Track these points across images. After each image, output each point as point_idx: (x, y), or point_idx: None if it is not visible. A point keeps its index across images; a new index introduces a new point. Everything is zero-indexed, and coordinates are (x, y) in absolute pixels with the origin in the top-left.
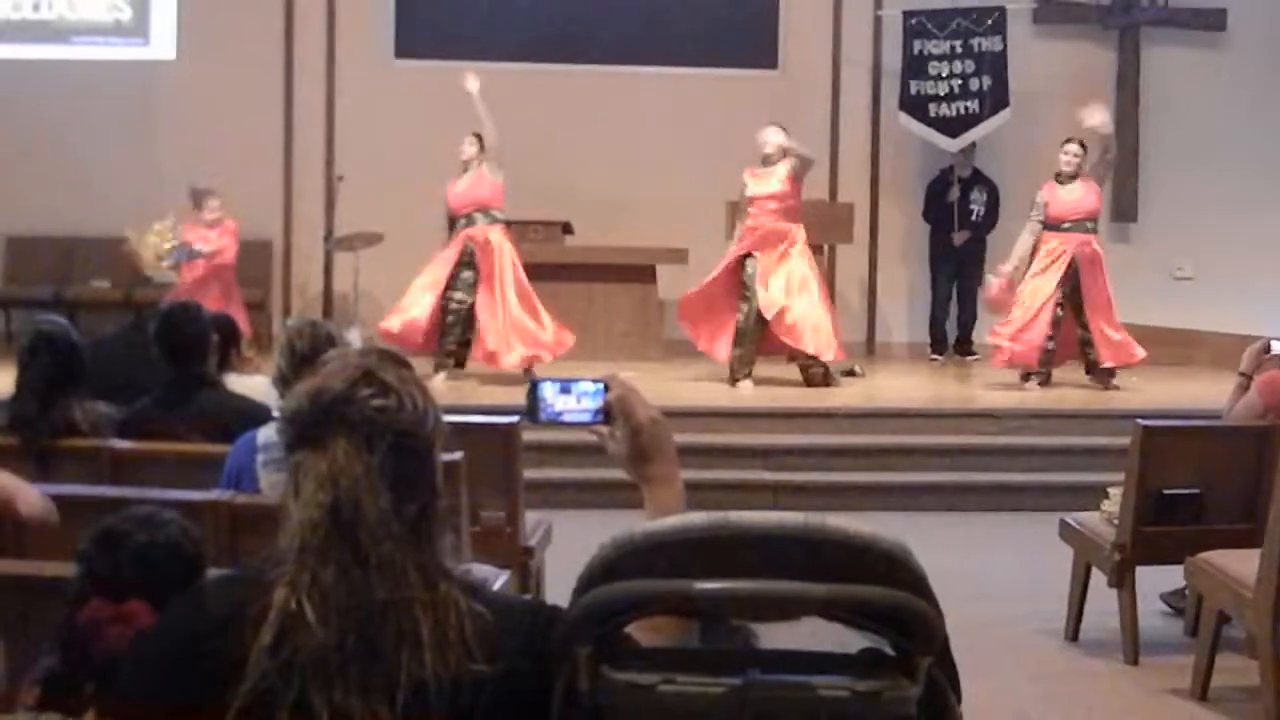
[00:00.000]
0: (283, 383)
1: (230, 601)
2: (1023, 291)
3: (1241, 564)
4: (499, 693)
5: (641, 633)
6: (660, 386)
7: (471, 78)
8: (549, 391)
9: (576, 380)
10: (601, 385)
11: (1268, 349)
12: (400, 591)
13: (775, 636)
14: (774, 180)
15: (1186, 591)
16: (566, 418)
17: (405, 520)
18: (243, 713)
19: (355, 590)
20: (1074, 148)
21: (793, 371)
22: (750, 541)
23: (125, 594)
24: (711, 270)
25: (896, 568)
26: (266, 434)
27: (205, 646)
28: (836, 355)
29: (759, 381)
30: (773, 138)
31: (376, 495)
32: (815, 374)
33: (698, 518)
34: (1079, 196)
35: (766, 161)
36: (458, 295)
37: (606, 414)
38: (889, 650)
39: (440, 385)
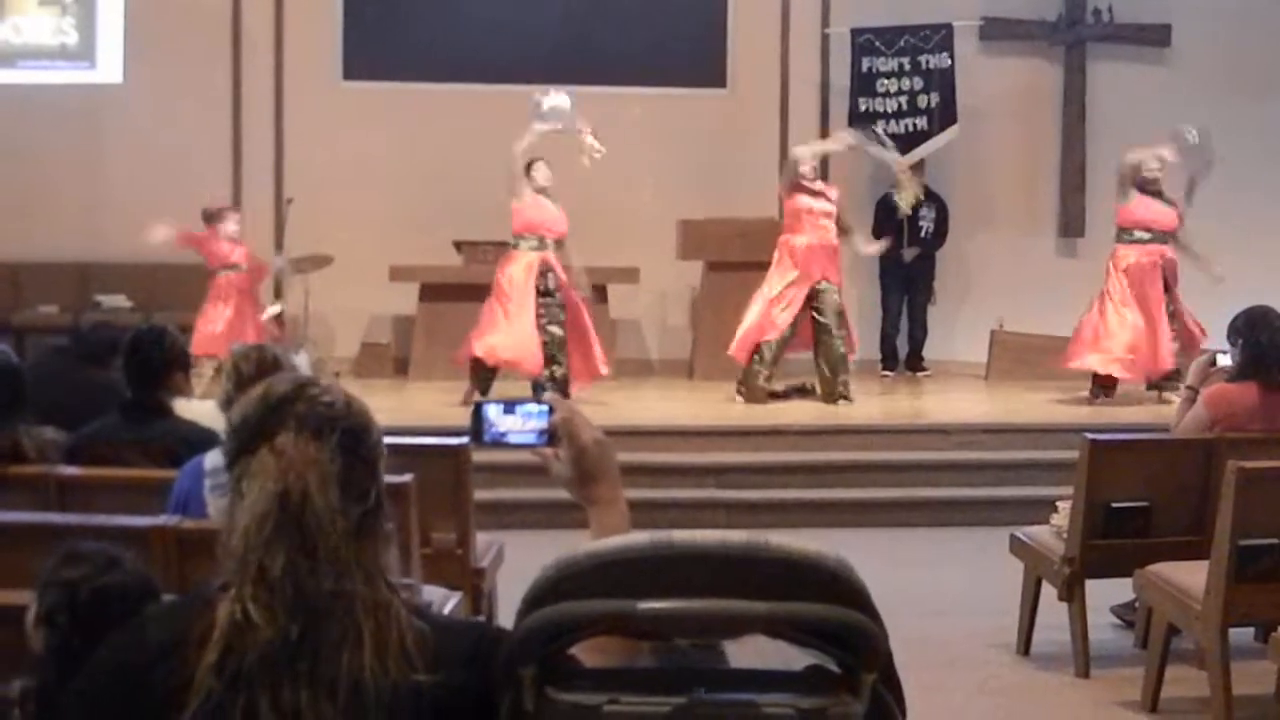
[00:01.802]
0: (229, 405)
1: (172, 628)
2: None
3: (1189, 576)
4: (438, 704)
5: (586, 653)
6: (612, 405)
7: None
8: (493, 413)
9: (521, 401)
10: (546, 407)
11: (1214, 362)
12: (344, 587)
13: (734, 656)
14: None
15: (1136, 604)
16: (511, 439)
17: (351, 519)
18: None
19: (302, 581)
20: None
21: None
22: (693, 560)
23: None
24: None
25: (839, 584)
26: (214, 459)
27: (150, 675)
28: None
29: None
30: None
31: (326, 485)
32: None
33: (640, 537)
34: (1168, 211)
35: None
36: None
37: (551, 435)
38: (834, 667)
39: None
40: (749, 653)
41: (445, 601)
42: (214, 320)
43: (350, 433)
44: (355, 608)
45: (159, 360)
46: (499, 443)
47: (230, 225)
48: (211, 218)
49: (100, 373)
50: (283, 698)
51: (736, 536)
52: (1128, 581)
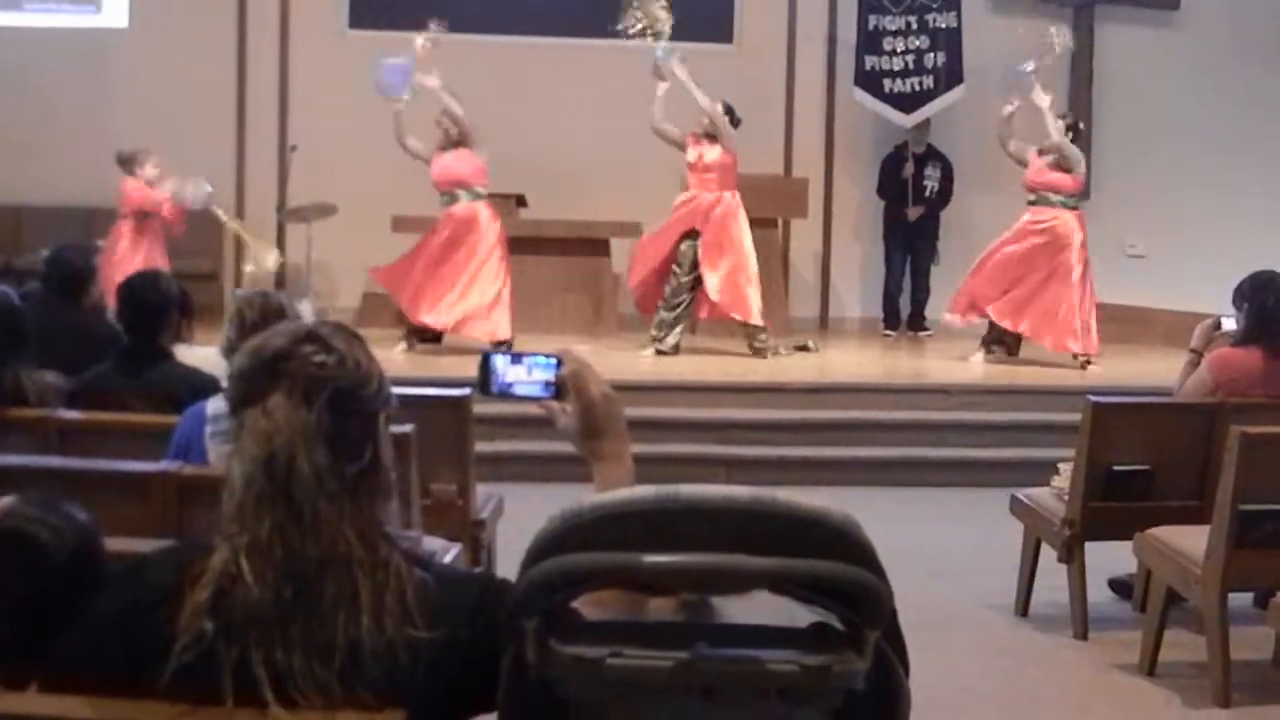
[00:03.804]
0: (231, 353)
1: (172, 572)
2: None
3: (1190, 540)
4: (437, 659)
5: (590, 606)
6: (613, 359)
7: (431, 78)
8: (500, 363)
9: (529, 353)
10: (554, 359)
11: (1218, 325)
12: (338, 550)
13: (729, 611)
14: (714, 150)
15: (1129, 577)
16: (517, 390)
17: (345, 480)
18: (187, 675)
19: (291, 547)
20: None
21: (739, 345)
22: (698, 515)
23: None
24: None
25: (845, 542)
26: (215, 405)
27: (149, 618)
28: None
29: (702, 352)
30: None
31: (312, 451)
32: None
33: (646, 491)
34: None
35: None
36: None
37: (558, 388)
38: (838, 625)
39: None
40: (753, 609)
41: (445, 553)
42: (125, 265)
43: (342, 392)
44: (351, 570)
45: (154, 304)
46: (506, 394)
47: (149, 169)
48: (127, 162)
49: (75, 311)
50: (275, 658)
51: (743, 492)
52: (1127, 546)
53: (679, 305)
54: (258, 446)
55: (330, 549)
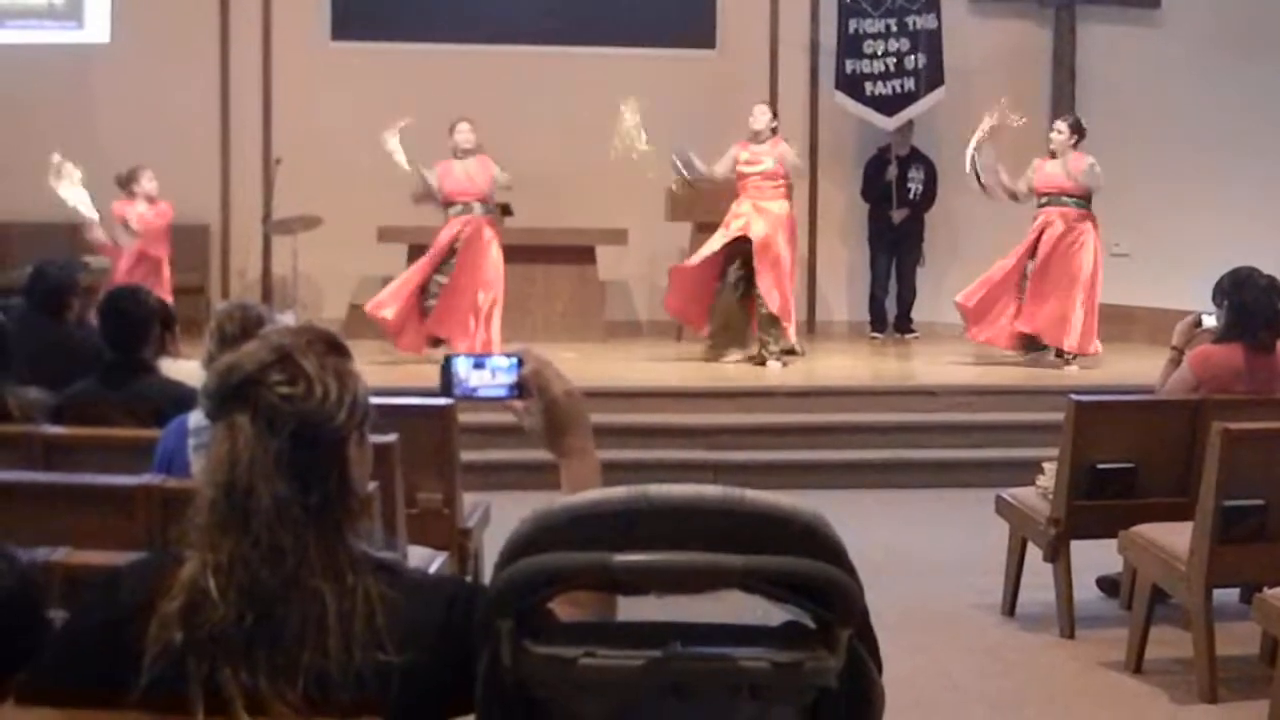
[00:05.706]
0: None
1: (145, 586)
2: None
3: (1174, 537)
4: (408, 680)
5: (562, 607)
6: (601, 367)
7: None
8: (462, 367)
9: (490, 355)
10: (515, 360)
11: (1199, 323)
12: (301, 579)
13: (700, 610)
14: (769, 159)
15: (1116, 575)
16: (481, 393)
17: (309, 508)
18: (159, 688)
19: (251, 573)
20: (1059, 124)
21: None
22: (669, 514)
23: None
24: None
25: (814, 539)
26: (197, 418)
27: (123, 633)
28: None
29: (688, 359)
30: (762, 116)
31: (273, 481)
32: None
33: (617, 491)
34: (1058, 174)
35: (758, 139)
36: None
37: (521, 388)
38: (810, 623)
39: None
40: (725, 607)
41: (431, 561)
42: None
43: (308, 423)
44: (316, 599)
45: (135, 317)
46: (469, 397)
47: (146, 182)
48: (126, 181)
49: (58, 327)
50: (242, 678)
51: (712, 490)
52: (1113, 544)
53: None
54: (220, 469)
55: (293, 578)
